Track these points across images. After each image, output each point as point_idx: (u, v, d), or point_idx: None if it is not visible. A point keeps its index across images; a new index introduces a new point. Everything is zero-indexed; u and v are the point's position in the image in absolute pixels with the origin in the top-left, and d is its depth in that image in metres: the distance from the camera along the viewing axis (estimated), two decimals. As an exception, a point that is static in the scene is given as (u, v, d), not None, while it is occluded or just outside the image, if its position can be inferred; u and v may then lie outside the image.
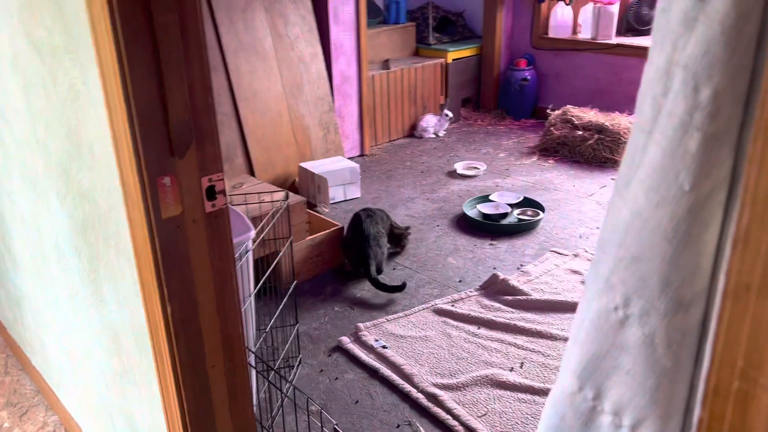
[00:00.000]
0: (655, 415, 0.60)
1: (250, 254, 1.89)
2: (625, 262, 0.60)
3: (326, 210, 3.70)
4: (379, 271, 2.91)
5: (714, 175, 0.51)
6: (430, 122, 5.01)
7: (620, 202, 0.59)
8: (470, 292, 2.80)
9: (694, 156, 0.51)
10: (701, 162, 0.51)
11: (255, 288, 2.02)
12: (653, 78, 0.54)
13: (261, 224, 2.18)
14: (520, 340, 2.45)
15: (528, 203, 3.64)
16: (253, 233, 1.84)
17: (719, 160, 0.51)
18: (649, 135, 0.55)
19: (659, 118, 0.54)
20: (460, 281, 2.92)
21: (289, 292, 2.31)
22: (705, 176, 0.51)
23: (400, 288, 2.77)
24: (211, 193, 1.14)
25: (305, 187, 3.83)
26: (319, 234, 2.99)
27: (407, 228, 3.23)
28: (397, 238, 3.16)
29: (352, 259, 2.95)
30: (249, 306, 1.90)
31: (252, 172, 3.76)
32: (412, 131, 5.09)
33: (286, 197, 2.25)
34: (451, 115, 5.04)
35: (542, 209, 3.54)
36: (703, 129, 0.51)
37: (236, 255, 1.69)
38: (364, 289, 2.87)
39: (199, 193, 1.12)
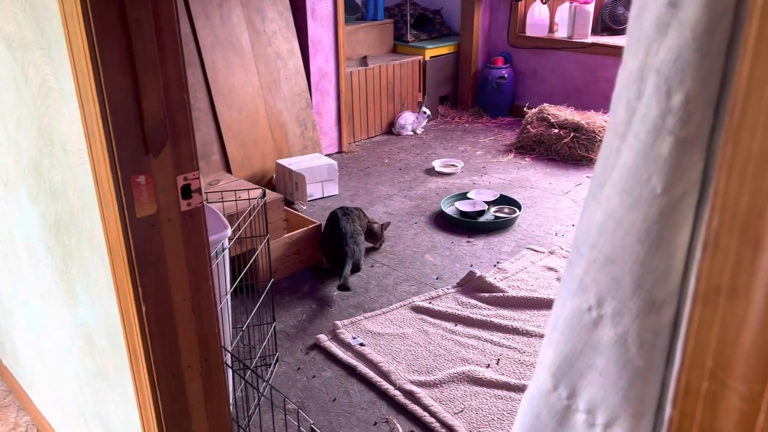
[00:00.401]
0: (628, 413, 0.61)
1: (226, 252, 1.88)
2: (598, 263, 0.60)
3: (304, 207, 3.69)
4: (357, 268, 2.91)
5: (685, 179, 0.52)
6: (408, 119, 5.02)
7: (594, 204, 0.60)
8: (447, 289, 2.82)
9: (666, 159, 0.52)
10: (673, 166, 0.52)
11: (231, 286, 2.01)
12: (627, 82, 0.55)
13: (237, 222, 2.16)
14: (497, 336, 2.47)
15: (505, 201, 3.67)
16: (229, 231, 1.83)
17: (690, 164, 0.52)
18: (622, 138, 0.56)
19: (633, 122, 0.54)
20: (437, 278, 2.94)
21: (266, 290, 2.30)
22: (677, 180, 0.52)
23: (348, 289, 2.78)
24: (187, 192, 1.13)
25: (282, 184, 3.81)
26: (296, 231, 2.98)
27: (384, 224, 3.22)
28: (375, 236, 3.17)
29: (330, 258, 2.94)
30: (225, 304, 1.89)
31: (228, 169, 3.73)
32: (390, 128, 5.09)
33: (263, 194, 2.24)
34: (428, 112, 5.05)
35: (519, 207, 3.57)
36: (675, 133, 0.51)
37: (212, 253, 1.68)
38: (342, 287, 2.87)
39: (175, 191, 1.11)
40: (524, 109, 4.85)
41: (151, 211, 1.09)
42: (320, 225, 3.07)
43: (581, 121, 4.34)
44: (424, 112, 5.02)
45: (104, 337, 1.34)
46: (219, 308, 1.62)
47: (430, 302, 2.71)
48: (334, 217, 2.97)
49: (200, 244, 1.18)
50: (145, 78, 1.00)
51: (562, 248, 3.16)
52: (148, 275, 1.12)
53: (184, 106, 1.08)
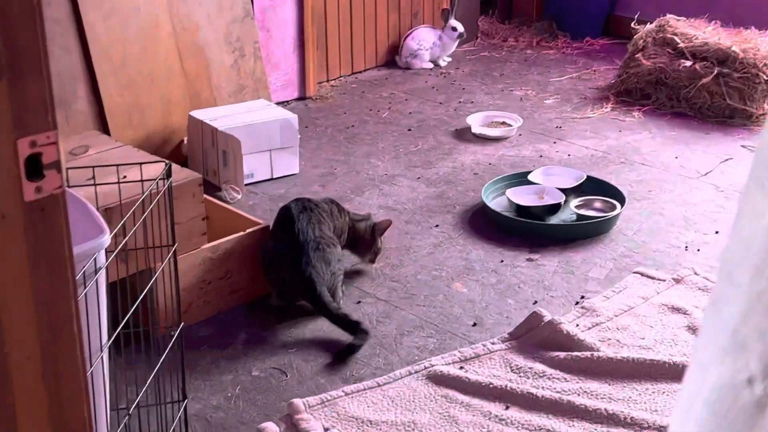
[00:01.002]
0: None
1: (102, 274, 1.88)
2: (766, 302, 0.61)
3: (238, 196, 3.69)
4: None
5: None
6: (424, 42, 5.02)
7: (761, 197, 0.60)
8: (493, 343, 2.82)
9: None
10: None
11: (111, 336, 2.01)
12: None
13: (122, 221, 2.17)
14: (579, 428, 2.48)
15: (596, 188, 3.68)
16: (107, 237, 1.83)
17: None
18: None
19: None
20: (474, 324, 2.94)
21: (171, 343, 2.31)
22: None
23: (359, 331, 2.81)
24: (36, 168, 1.13)
25: (201, 155, 3.81)
26: (225, 239, 2.98)
27: (381, 224, 3.23)
28: (364, 243, 3.16)
29: (280, 286, 2.95)
30: (100, 367, 1.89)
31: (105, 128, 3.73)
32: (393, 57, 5.09)
33: (167, 173, 2.24)
34: (461, 29, 5.06)
35: (621, 199, 3.57)
36: None
37: (79, 276, 1.68)
38: (306, 336, 2.87)
39: (14, 167, 1.11)
40: (631, 25, 4.86)
41: (-27, 202, 1.09)
42: (267, 227, 3.07)
43: (732, 47, 4.34)
44: (453, 29, 5.03)
45: None
46: (88, 373, 1.62)
47: (461, 367, 2.72)
48: (285, 216, 2.97)
49: (58, 261, 1.18)
50: (-37, -35, 1.01)
51: (697, 273, 3.17)
52: (-33, 315, 1.12)
53: (32, 14, 1.09)
